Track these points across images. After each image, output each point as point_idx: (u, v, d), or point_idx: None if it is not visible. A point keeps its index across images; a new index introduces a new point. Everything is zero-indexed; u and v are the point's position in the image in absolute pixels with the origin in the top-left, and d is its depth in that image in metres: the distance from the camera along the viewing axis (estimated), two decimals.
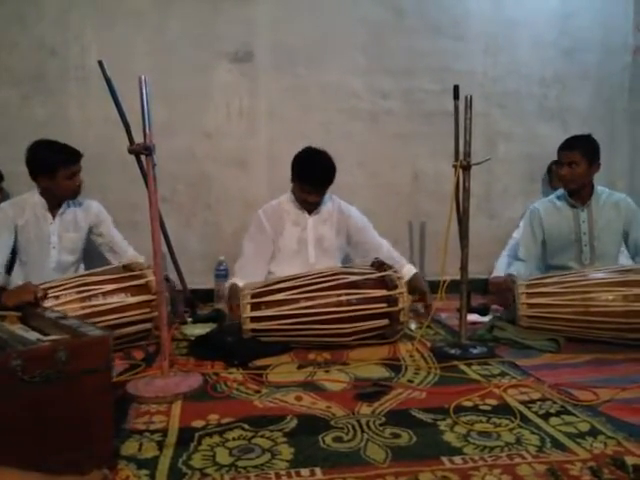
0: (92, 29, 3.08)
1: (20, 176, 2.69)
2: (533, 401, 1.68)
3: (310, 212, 2.72)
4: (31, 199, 2.59)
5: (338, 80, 3.33)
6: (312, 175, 2.60)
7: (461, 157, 2.14)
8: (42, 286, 2.10)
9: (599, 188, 2.71)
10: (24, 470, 0.79)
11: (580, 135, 2.67)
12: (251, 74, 3.26)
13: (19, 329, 1.41)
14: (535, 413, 1.59)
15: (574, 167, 2.58)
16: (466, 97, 2.10)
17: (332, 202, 2.79)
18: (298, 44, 3.27)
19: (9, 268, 2.59)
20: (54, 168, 2.46)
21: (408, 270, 2.73)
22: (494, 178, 3.52)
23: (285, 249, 2.71)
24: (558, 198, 2.77)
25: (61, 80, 3.08)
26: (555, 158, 2.97)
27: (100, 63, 2.15)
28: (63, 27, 3.06)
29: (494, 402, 1.68)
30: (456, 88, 2.18)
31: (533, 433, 1.46)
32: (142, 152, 1.84)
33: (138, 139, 1.97)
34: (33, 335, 1.32)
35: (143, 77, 1.77)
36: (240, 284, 2.45)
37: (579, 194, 2.67)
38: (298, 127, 3.28)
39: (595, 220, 2.67)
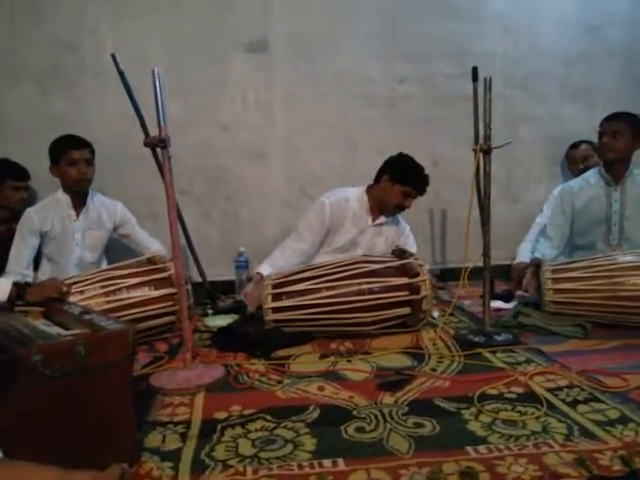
0: (107, 21, 3.06)
1: (40, 173, 2.72)
2: (560, 388, 1.65)
3: (374, 219, 2.71)
4: (55, 199, 2.63)
5: (354, 67, 3.28)
6: (423, 181, 2.63)
7: (481, 141, 2.09)
8: (67, 281, 2.11)
9: (635, 169, 2.64)
10: (43, 464, 0.79)
11: (626, 112, 2.61)
12: (266, 64, 3.22)
13: (42, 324, 1.42)
14: (562, 401, 1.56)
15: (618, 137, 2.53)
16: (485, 79, 2.05)
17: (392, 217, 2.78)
18: (312, 32, 3.22)
19: (35, 265, 2.64)
20: (58, 156, 2.53)
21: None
22: (516, 162, 3.43)
23: (335, 244, 2.70)
24: (593, 175, 2.72)
25: (78, 75, 3.07)
26: (576, 140, 2.93)
27: (113, 56, 2.14)
28: (79, 20, 3.04)
29: (520, 390, 1.65)
30: (475, 70, 2.13)
31: (560, 421, 1.43)
32: (157, 145, 1.85)
33: (155, 133, 1.96)
34: (54, 330, 1.33)
35: (156, 69, 1.76)
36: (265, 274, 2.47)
37: (615, 170, 2.61)
38: (315, 116, 3.25)
39: (628, 200, 2.61)
